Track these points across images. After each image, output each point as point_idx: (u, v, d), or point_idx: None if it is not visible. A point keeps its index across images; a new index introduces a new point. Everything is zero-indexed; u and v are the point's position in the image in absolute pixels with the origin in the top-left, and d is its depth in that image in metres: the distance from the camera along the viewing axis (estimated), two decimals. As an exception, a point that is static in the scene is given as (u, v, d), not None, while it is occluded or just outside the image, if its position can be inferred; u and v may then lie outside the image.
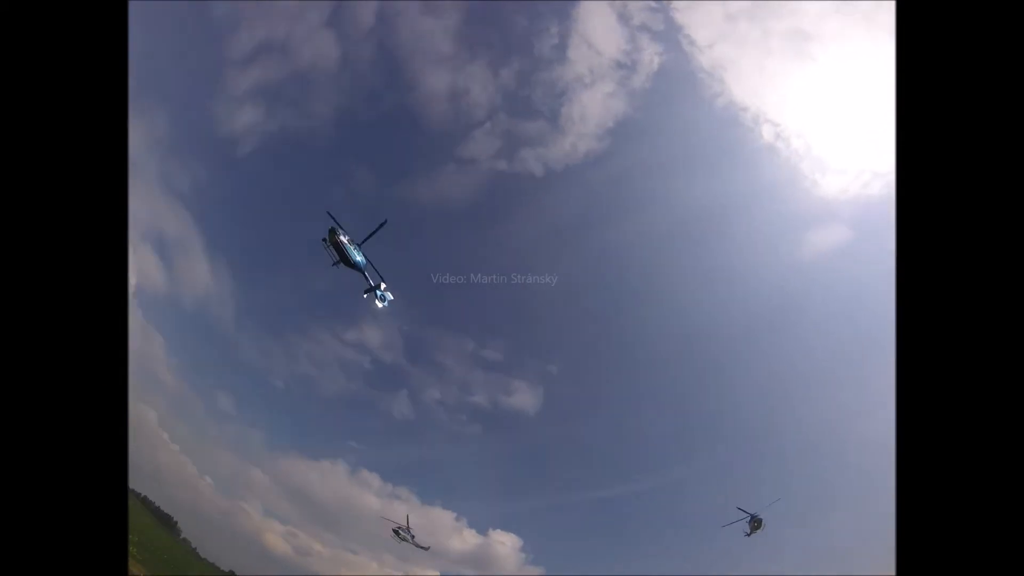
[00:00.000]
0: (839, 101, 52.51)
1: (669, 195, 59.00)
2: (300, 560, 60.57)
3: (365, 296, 31.87)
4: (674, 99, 57.23)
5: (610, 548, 62.47)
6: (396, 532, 47.67)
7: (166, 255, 60.28)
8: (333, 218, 28.70)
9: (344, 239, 28.98)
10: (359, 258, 30.19)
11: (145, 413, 57.40)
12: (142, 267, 58.15)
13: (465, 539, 62.55)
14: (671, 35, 55.04)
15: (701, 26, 54.51)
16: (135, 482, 55.13)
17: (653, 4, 55.11)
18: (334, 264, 29.99)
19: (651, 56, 55.68)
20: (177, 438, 58.56)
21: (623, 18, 56.38)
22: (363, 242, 30.01)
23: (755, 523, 41.47)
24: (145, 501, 58.26)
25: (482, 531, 62.62)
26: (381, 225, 29.24)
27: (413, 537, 48.11)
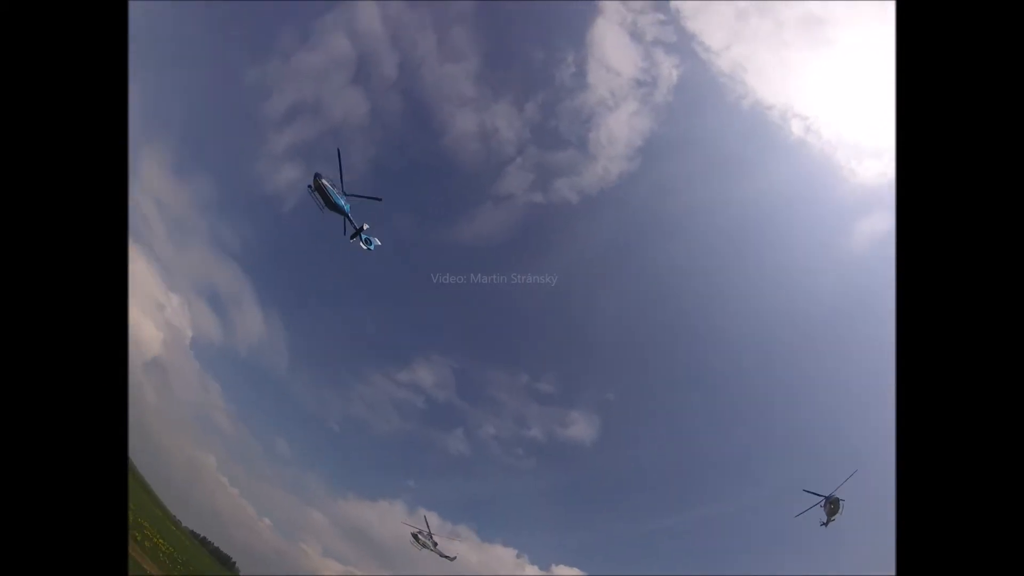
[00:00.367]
0: (863, 82, 51.46)
1: (708, 205, 58.90)
2: (359, 599, 60.97)
3: (351, 240, 33.02)
4: (698, 108, 57.75)
5: (677, 578, 60.62)
6: (416, 537, 45.08)
7: (220, 308, 63.85)
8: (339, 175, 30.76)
9: (326, 183, 30.66)
10: (342, 202, 31.65)
11: (204, 458, 59.65)
12: (196, 320, 61.72)
13: (528, 576, 61.46)
14: (685, 44, 55.63)
15: (713, 30, 54.69)
16: (195, 524, 57.43)
17: (662, 17, 55.49)
18: (321, 210, 31.59)
19: (669, 69, 56.17)
20: (236, 482, 60.47)
21: (635, 36, 57.00)
22: (350, 195, 31.66)
23: (832, 506, 35.51)
24: (204, 542, 59.15)
25: (544, 567, 61.23)
26: (373, 198, 31.69)
27: (436, 545, 45.39)
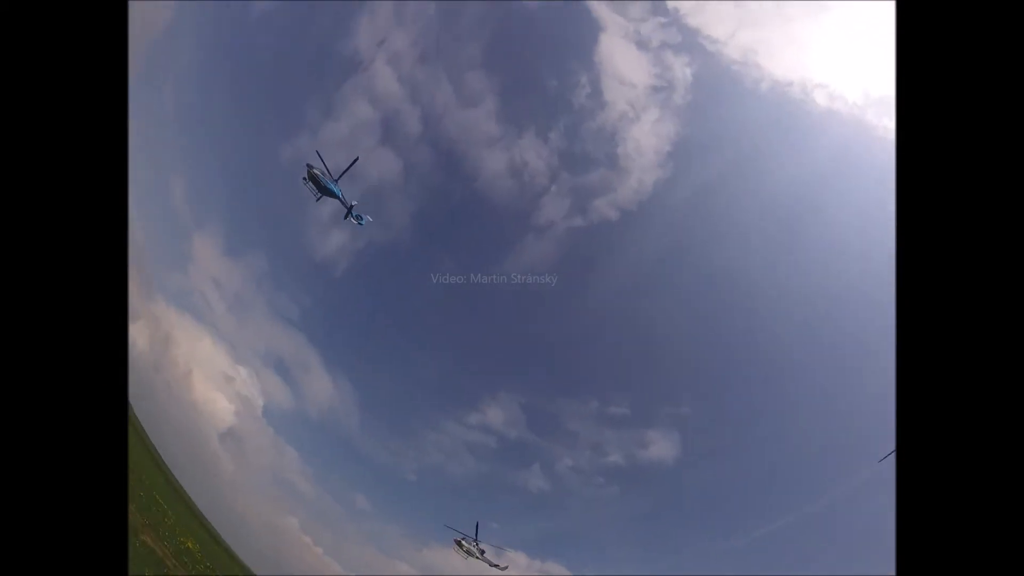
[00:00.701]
0: (872, 35, 49.91)
1: (751, 196, 58.06)
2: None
3: (345, 219, 37.43)
4: (719, 102, 57.71)
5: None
6: (459, 544, 41.55)
7: (287, 375, 67.39)
8: (321, 162, 34.75)
9: (318, 172, 34.53)
10: (334, 187, 35.47)
11: (287, 521, 61.74)
12: (267, 389, 65.10)
13: (625, 604, 60.06)
14: (691, 41, 55.85)
15: (715, 22, 54.95)
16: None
17: (663, 19, 55.87)
18: (317, 199, 35.72)
19: (681, 70, 56.62)
20: (320, 541, 62.09)
21: (641, 44, 57.66)
22: (338, 178, 35.42)
23: None
24: (293, 603, 60.24)
25: None
26: (353, 162, 35.27)
27: (483, 553, 41.91)
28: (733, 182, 58.95)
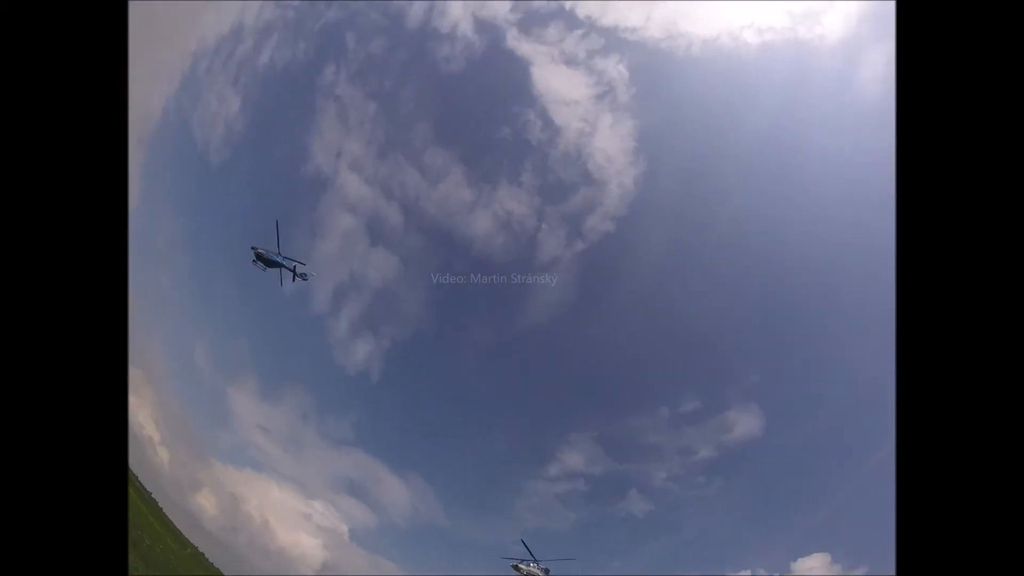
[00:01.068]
0: None
1: (731, 149, 58.44)
2: None
3: (294, 282, 41.81)
4: (660, 81, 58.93)
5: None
6: (518, 569, 40.09)
7: (361, 494, 68.70)
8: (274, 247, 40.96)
9: (262, 251, 40.04)
10: (280, 259, 40.45)
11: None
12: (347, 513, 66.49)
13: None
14: (614, 40, 57.59)
15: (627, 12, 56.76)
16: None
17: (580, 31, 58.45)
18: (264, 271, 40.63)
19: (615, 68, 58.68)
20: None
21: (571, 62, 59.98)
22: (285, 256, 40.84)
23: None
24: None
25: (786, 568, 58.39)
26: (276, 225, 40.42)
27: (548, 572, 40.38)
28: (707, 144, 59.22)
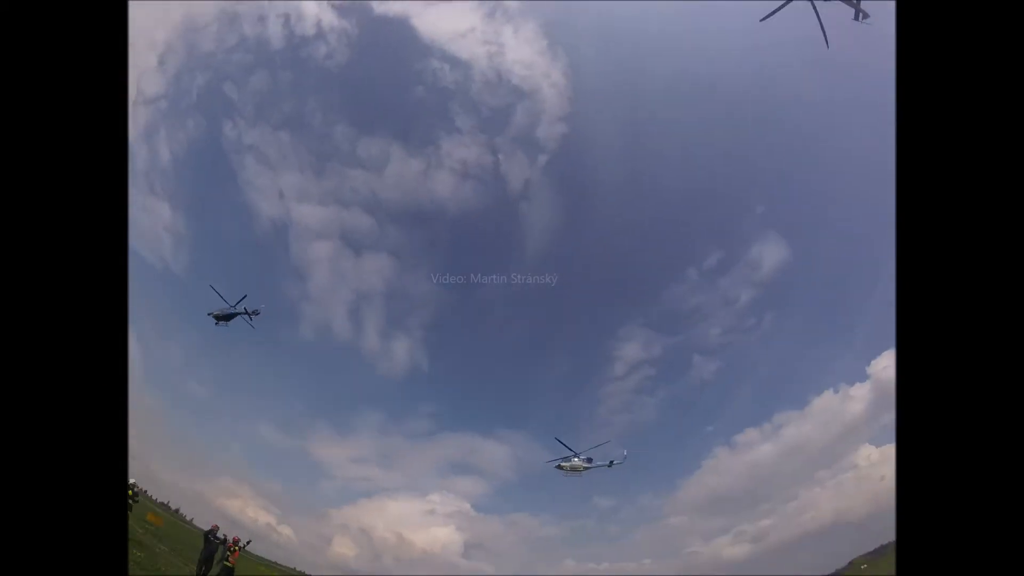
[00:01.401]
0: None
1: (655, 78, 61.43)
2: None
3: (252, 320, 44.98)
4: (555, 44, 61.83)
5: None
6: (561, 467, 40.37)
7: (467, 469, 75.84)
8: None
9: (217, 312, 44.11)
10: (235, 310, 44.35)
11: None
12: (464, 490, 72.55)
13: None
14: (473, 41, 62.66)
15: (464, 14, 56.76)
16: None
17: (435, 65, 62.17)
18: (227, 325, 44.75)
19: (486, 62, 60.58)
20: None
21: (468, 106, 66.08)
22: (235, 304, 44.27)
23: None
24: None
25: None
26: (212, 287, 44.15)
27: (591, 461, 40.37)
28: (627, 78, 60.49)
